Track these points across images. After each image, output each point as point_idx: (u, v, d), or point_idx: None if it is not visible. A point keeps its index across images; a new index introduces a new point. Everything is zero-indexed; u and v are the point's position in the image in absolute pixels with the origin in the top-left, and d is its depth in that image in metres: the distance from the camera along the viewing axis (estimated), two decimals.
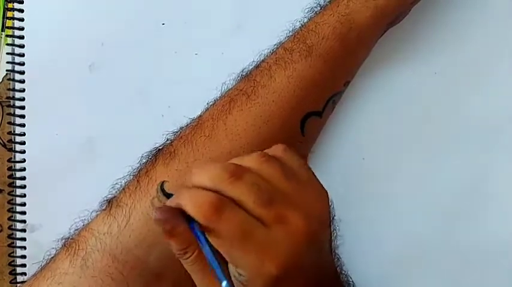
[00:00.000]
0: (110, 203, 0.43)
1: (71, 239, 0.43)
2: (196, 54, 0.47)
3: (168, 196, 0.41)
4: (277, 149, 0.38)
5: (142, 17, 0.51)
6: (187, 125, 0.46)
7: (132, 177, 0.44)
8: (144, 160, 0.45)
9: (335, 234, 0.42)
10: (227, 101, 0.45)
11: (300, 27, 0.46)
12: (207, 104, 0.46)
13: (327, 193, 0.38)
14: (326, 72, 0.45)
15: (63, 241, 0.44)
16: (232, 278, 0.35)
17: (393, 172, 0.50)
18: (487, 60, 0.50)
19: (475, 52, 0.50)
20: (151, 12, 0.51)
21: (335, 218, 0.42)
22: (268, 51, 0.46)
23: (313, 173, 0.38)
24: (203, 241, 0.34)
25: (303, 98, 0.44)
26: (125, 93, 0.50)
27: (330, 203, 0.38)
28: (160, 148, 0.45)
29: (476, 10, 0.50)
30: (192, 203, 0.35)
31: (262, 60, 0.46)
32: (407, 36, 0.50)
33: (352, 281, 0.43)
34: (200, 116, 0.46)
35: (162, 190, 0.42)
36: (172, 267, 0.41)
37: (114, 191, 0.44)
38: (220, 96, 0.46)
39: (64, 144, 0.50)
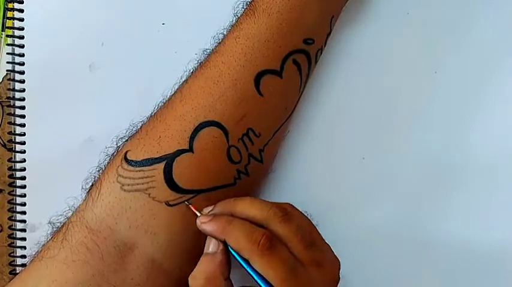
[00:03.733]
0: (92, 185, 0.45)
1: (58, 221, 0.45)
2: (196, 54, 0.47)
3: (130, 162, 0.43)
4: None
5: (142, 17, 0.51)
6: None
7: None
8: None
9: None
10: (185, 75, 0.46)
11: None
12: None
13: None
14: (274, 28, 0.44)
15: (51, 224, 0.45)
16: None
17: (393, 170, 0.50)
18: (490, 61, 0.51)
19: (477, 51, 0.50)
20: (151, 12, 0.51)
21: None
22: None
23: None
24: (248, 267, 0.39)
25: (252, 56, 0.44)
26: (125, 93, 0.50)
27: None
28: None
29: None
30: (245, 236, 0.39)
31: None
32: (406, 36, 0.50)
33: None
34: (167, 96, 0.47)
35: (126, 158, 0.43)
36: (144, 238, 0.42)
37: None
38: None
39: (64, 144, 0.50)
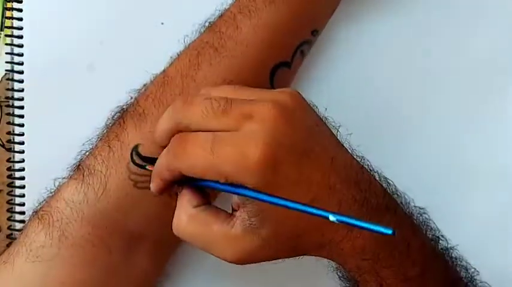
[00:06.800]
0: (81, 171, 0.42)
1: (43, 211, 0.42)
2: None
3: (144, 159, 0.41)
4: None
5: (142, 17, 0.51)
6: (151, 81, 0.45)
7: (101, 141, 0.43)
8: (110, 123, 0.44)
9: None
10: (194, 55, 0.43)
11: None
12: (171, 58, 0.45)
13: (294, 90, 0.37)
14: (291, 18, 0.43)
15: (34, 213, 0.43)
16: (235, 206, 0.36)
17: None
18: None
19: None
20: (150, 12, 0.51)
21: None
22: None
23: None
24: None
25: (270, 48, 0.43)
26: (124, 93, 0.50)
27: (302, 97, 0.37)
28: (126, 108, 0.44)
29: None
30: (164, 154, 0.36)
31: (226, 9, 0.44)
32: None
33: (392, 182, 0.40)
34: (165, 71, 0.44)
35: (138, 153, 0.41)
36: (152, 227, 0.41)
37: (80, 157, 0.44)
38: (184, 50, 0.45)
39: (63, 144, 0.49)
